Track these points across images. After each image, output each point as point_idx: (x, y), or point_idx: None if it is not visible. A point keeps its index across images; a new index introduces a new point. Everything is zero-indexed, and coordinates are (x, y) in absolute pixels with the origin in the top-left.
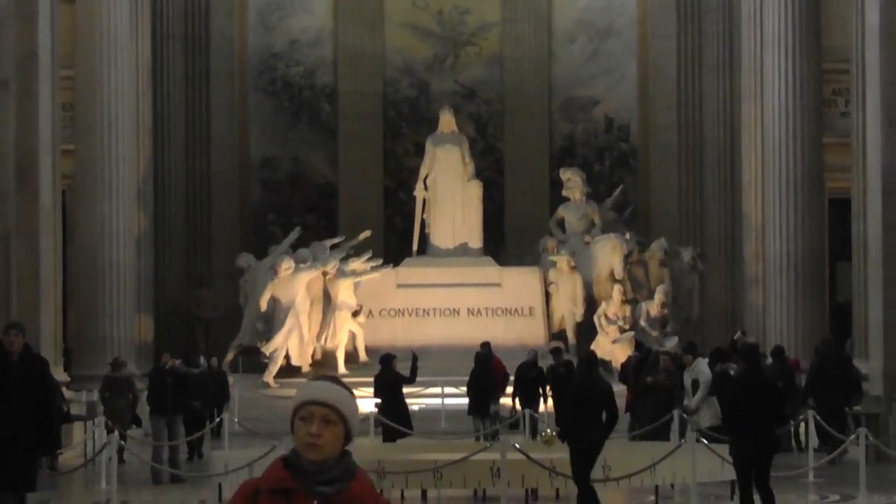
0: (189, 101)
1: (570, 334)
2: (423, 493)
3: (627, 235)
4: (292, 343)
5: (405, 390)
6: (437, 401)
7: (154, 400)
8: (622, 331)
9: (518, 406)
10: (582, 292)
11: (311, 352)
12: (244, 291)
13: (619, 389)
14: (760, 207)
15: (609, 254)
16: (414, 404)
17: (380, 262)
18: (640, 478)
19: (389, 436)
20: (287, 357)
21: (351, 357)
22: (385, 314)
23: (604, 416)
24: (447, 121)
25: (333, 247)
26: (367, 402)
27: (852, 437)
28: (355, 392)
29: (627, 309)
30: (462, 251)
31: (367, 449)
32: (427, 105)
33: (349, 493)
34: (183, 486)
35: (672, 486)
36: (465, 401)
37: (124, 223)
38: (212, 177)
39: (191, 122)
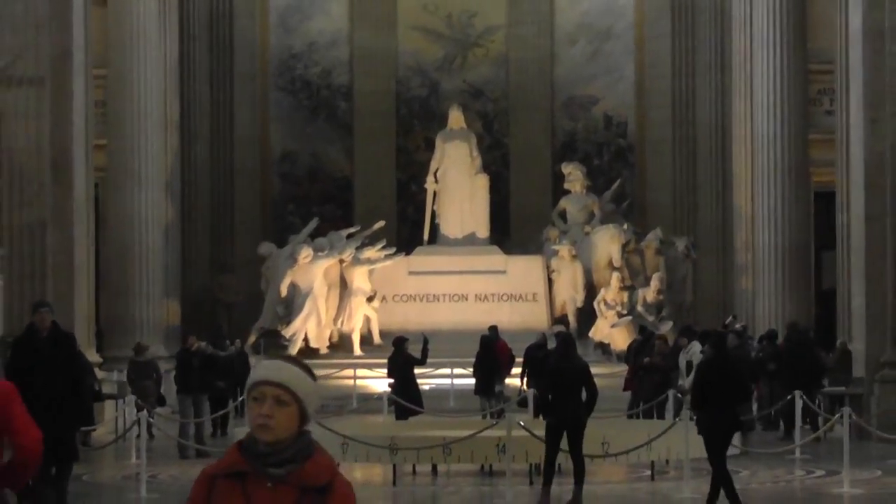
0: (214, 98)
1: (572, 319)
2: (434, 468)
3: (625, 226)
4: (310, 326)
5: (417, 371)
6: (447, 381)
7: (181, 380)
8: (620, 315)
9: (525, 386)
10: (582, 279)
11: (328, 335)
12: (265, 277)
13: (622, 370)
14: (750, 199)
15: (608, 243)
16: (425, 384)
17: (393, 250)
18: (637, 454)
19: (402, 414)
20: (306, 339)
21: (366, 340)
22: (398, 299)
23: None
24: (456, 118)
25: (349, 236)
26: (381, 382)
27: (837, 416)
28: (372, 372)
29: (625, 295)
30: (470, 240)
31: (380, 426)
32: (437, 103)
33: (303, 473)
34: (208, 460)
35: (667, 461)
36: (473, 381)
37: (153, 213)
38: (235, 170)
39: (215, 119)
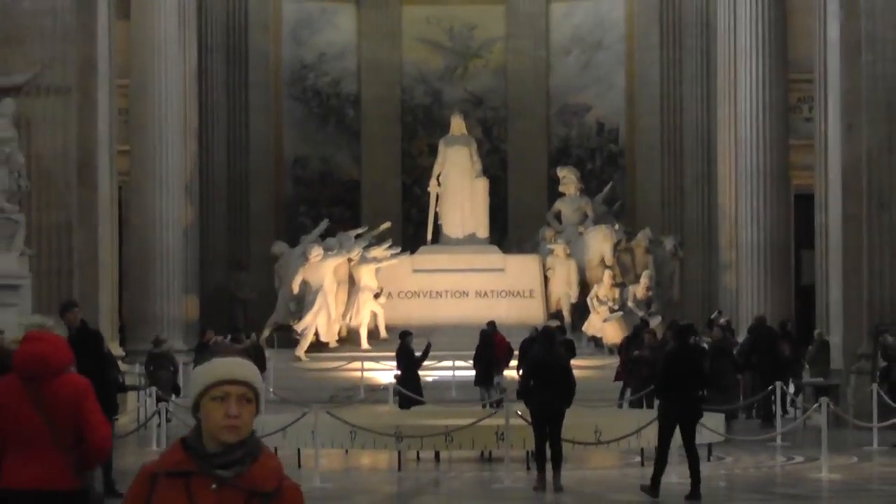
0: (230, 106)
1: (566, 314)
2: (437, 454)
3: (616, 226)
4: (321, 321)
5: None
6: (448, 373)
7: None
8: (612, 311)
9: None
10: (576, 276)
11: (337, 329)
12: (278, 275)
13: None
14: (734, 201)
15: (600, 242)
16: (428, 376)
17: (398, 249)
18: (628, 441)
19: (405, 403)
20: (316, 334)
21: (372, 334)
22: (403, 296)
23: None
24: (457, 124)
25: (357, 236)
26: (387, 374)
27: (815, 405)
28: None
29: (616, 291)
30: (470, 240)
31: (386, 415)
32: (440, 111)
33: (249, 475)
34: None
35: (655, 448)
36: (473, 373)
37: (173, 214)
38: (250, 173)
39: (232, 125)
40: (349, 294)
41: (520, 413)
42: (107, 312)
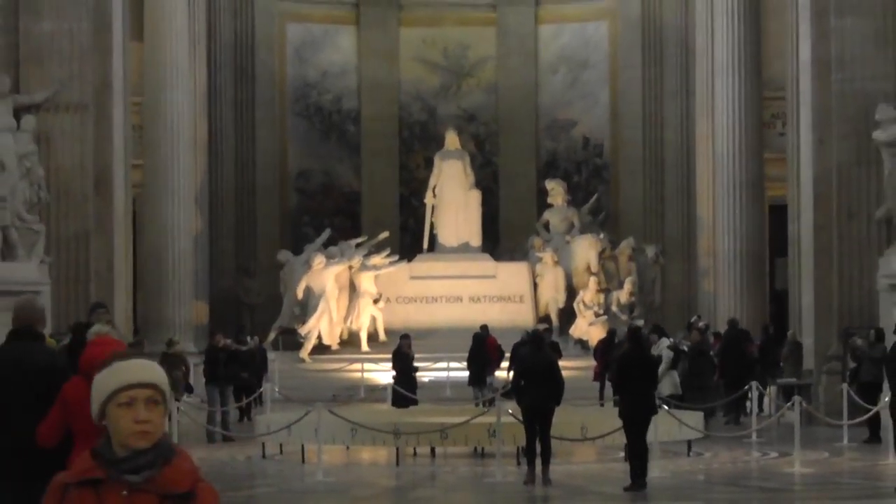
0: (238, 122)
1: (554, 317)
2: (432, 450)
3: (601, 235)
4: (323, 325)
5: (417, 364)
6: (443, 373)
7: (209, 372)
8: (597, 315)
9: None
10: (563, 283)
11: (338, 332)
12: (283, 282)
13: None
14: (712, 211)
15: (586, 250)
16: (424, 376)
17: (396, 257)
18: (612, 437)
19: (399, 402)
20: (319, 337)
21: (372, 337)
22: (400, 301)
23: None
24: (452, 139)
25: (358, 245)
26: (385, 375)
27: (788, 403)
28: (378, 366)
29: (601, 297)
30: (464, 248)
31: (385, 413)
32: (435, 126)
33: (161, 479)
34: (233, 444)
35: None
36: (466, 373)
37: (184, 224)
38: (257, 185)
39: (239, 140)
40: (350, 299)
41: (511, 411)
42: (122, 316)
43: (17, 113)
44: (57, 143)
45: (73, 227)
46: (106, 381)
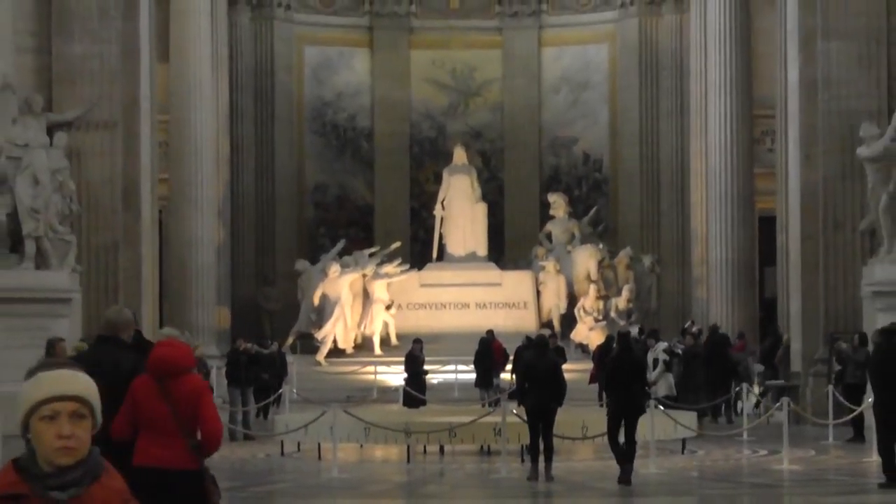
0: (258, 139)
1: (556, 323)
2: (441, 448)
3: (600, 245)
4: (338, 330)
5: (427, 367)
6: (452, 375)
7: (231, 374)
8: (596, 320)
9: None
10: (565, 290)
11: (353, 337)
12: (301, 289)
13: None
14: (705, 222)
15: (586, 260)
16: (433, 378)
17: (407, 266)
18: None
19: (409, 402)
20: (334, 341)
21: (384, 341)
22: (411, 307)
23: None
24: (460, 155)
25: (371, 255)
26: (397, 377)
27: (777, 404)
28: (389, 368)
29: (601, 303)
30: (471, 258)
31: (397, 413)
32: (444, 143)
33: (88, 497)
34: (253, 442)
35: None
36: (473, 375)
37: (207, 234)
38: (276, 198)
39: (259, 156)
40: (364, 306)
41: (515, 411)
42: (149, 322)
43: (51, 130)
44: (88, 158)
45: (102, 237)
46: (29, 392)
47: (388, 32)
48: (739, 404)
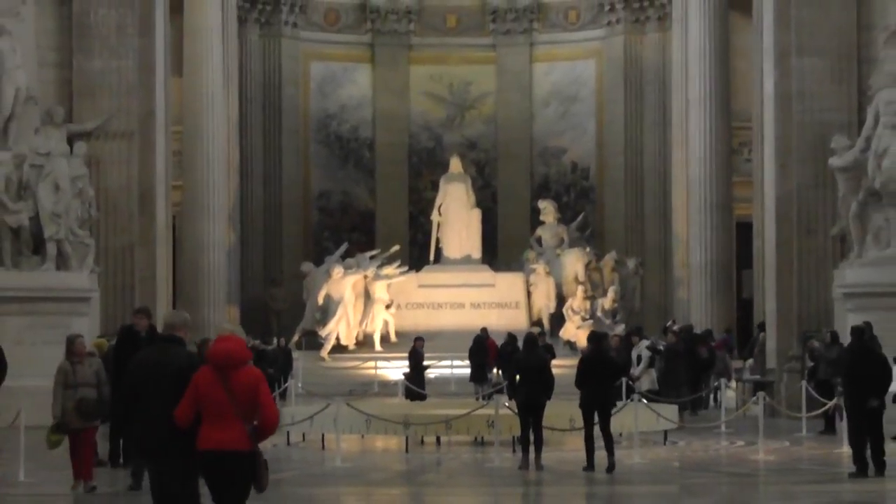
0: (266, 148)
1: (546, 322)
2: (438, 439)
3: (587, 249)
4: (341, 328)
5: (426, 363)
6: (448, 371)
7: None
8: (584, 319)
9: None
10: (554, 291)
11: (355, 334)
12: (306, 289)
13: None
14: (686, 228)
15: (574, 262)
16: (431, 373)
17: (406, 268)
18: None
19: (411, 396)
20: (337, 338)
21: (384, 338)
22: (410, 306)
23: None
24: (456, 164)
25: (372, 257)
26: (396, 372)
27: (753, 398)
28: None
29: (588, 303)
30: (466, 260)
31: (396, 406)
32: (441, 153)
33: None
34: None
35: (620, 433)
36: (468, 370)
37: (218, 238)
38: (282, 204)
39: (267, 164)
40: (365, 305)
41: (507, 405)
42: (162, 320)
43: (71, 140)
44: (106, 166)
45: (119, 240)
46: None
47: (388, 49)
48: (719, 396)
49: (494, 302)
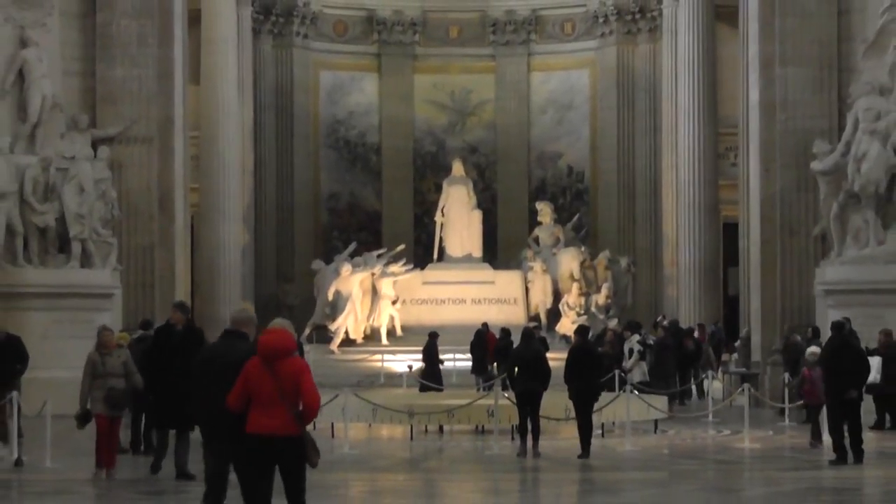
0: (279, 152)
1: (542, 317)
2: (441, 428)
3: (582, 248)
4: (350, 322)
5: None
6: (450, 364)
7: None
8: (578, 315)
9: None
10: (550, 288)
11: (362, 329)
12: (317, 286)
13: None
14: (675, 228)
15: (569, 261)
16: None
17: (411, 266)
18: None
19: (425, 389)
20: (346, 332)
21: (390, 333)
22: (414, 302)
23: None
24: (457, 168)
25: (379, 256)
26: (401, 364)
27: (739, 389)
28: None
29: (582, 299)
30: (468, 259)
31: (401, 396)
32: (443, 157)
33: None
34: None
35: (613, 423)
36: (470, 363)
37: (233, 238)
38: (294, 205)
39: (280, 167)
40: (372, 301)
41: (506, 395)
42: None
43: (95, 145)
44: (127, 169)
45: (140, 240)
46: None
47: (394, 59)
48: (705, 386)
49: (494, 298)
